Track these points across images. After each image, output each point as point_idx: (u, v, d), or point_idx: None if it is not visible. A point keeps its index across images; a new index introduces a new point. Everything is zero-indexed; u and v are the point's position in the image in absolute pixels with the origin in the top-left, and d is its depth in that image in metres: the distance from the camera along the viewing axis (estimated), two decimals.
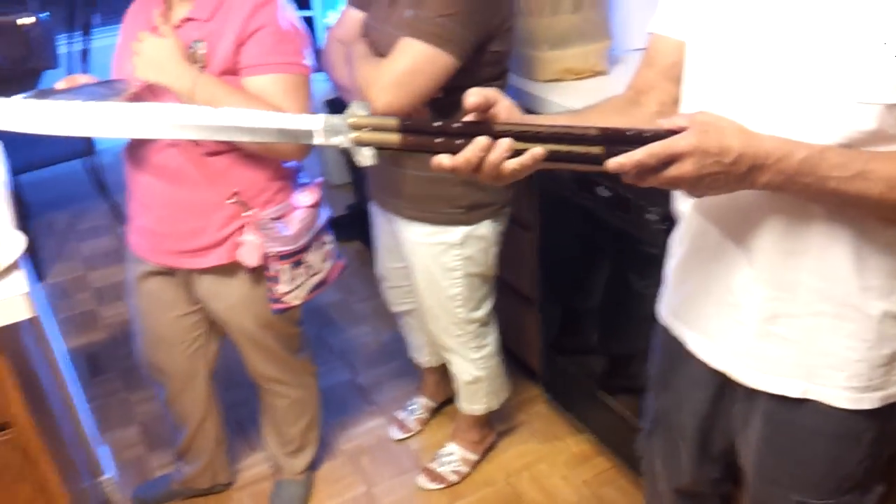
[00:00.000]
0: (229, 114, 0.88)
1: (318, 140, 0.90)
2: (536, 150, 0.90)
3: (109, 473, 2.24)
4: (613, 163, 0.90)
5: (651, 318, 1.37)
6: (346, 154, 0.90)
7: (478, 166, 0.90)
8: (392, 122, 0.90)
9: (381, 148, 0.91)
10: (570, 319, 2.25)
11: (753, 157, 0.90)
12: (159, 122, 0.86)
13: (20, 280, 1.24)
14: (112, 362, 2.89)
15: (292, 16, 1.65)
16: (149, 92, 1.59)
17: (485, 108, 0.93)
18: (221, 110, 0.88)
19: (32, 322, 1.47)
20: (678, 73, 1.14)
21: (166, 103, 0.86)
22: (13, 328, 1.31)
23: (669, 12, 1.15)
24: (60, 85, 1.59)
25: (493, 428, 2.36)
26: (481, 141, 0.89)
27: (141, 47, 1.56)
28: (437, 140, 0.90)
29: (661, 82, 1.17)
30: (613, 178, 0.92)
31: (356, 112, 0.90)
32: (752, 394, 1.18)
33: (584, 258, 2.09)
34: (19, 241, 1.32)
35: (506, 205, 1.94)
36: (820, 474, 1.18)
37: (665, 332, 1.32)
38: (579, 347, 2.24)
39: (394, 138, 0.90)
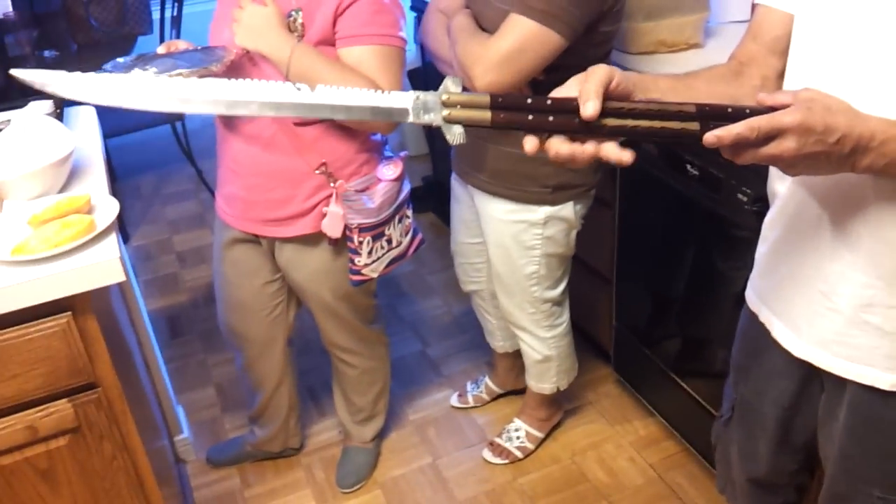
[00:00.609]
0: (323, 92, 0.88)
1: (411, 118, 0.90)
2: (626, 156, 0.88)
3: (185, 433, 2.33)
4: (711, 135, 0.87)
5: (733, 303, 1.35)
6: (431, 129, 0.89)
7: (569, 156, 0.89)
8: (484, 98, 0.89)
9: (472, 126, 0.90)
10: (646, 300, 2.22)
11: (858, 137, 0.87)
12: (255, 101, 0.87)
13: (112, 244, 1.29)
14: (192, 325, 2.98)
15: None
16: (247, 59, 1.62)
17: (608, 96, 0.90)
18: (316, 89, 0.88)
19: (121, 284, 1.52)
20: (783, 46, 1.11)
21: (260, 81, 0.87)
22: (104, 291, 1.36)
23: None
24: (161, 50, 1.63)
25: (561, 406, 2.36)
26: (563, 148, 0.88)
27: (241, 14, 1.59)
28: (530, 118, 0.88)
29: (764, 56, 1.14)
30: (705, 155, 0.90)
31: (449, 89, 0.89)
32: (839, 385, 1.16)
33: (666, 237, 2.06)
34: (113, 207, 1.37)
35: (592, 187, 1.93)
36: None
37: (751, 318, 1.29)
38: (654, 329, 2.22)
39: (485, 116, 0.89)
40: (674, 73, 1.09)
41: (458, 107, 0.89)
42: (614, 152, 0.88)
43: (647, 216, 2.11)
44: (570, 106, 0.88)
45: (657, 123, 0.89)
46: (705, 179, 1.77)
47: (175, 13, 3.51)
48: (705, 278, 1.93)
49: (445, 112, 0.89)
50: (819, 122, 0.86)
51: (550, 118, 0.88)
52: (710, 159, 0.89)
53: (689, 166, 1.80)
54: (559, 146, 0.88)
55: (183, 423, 2.35)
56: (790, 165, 0.90)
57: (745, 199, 1.64)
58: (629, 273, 2.25)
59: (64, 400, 1.35)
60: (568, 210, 1.88)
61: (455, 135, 0.90)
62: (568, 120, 0.88)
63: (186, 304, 3.13)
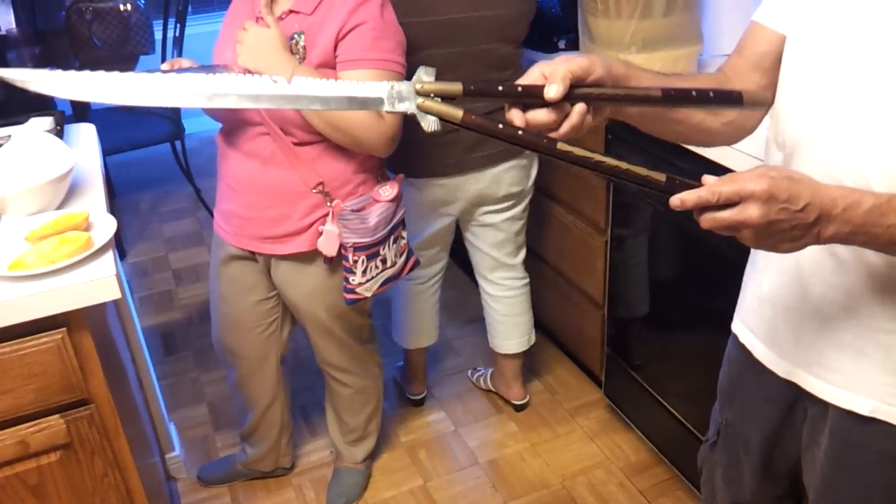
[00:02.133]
0: (301, 83, 0.91)
1: (386, 107, 0.92)
2: (593, 157, 0.91)
3: (176, 451, 2.33)
4: (675, 199, 0.88)
5: (723, 329, 1.36)
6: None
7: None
8: (456, 86, 0.92)
9: (444, 121, 0.92)
10: (636, 325, 2.24)
11: (821, 205, 0.87)
12: (235, 92, 0.90)
13: (109, 262, 1.30)
14: (185, 342, 2.99)
15: (391, 13, 1.69)
16: None
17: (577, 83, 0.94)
18: (293, 81, 0.90)
19: (116, 301, 1.53)
20: (768, 63, 1.14)
21: (239, 74, 0.89)
22: (99, 308, 1.37)
23: (777, 4, 1.15)
24: (164, 68, 1.66)
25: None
26: (528, 137, 0.92)
27: (244, 36, 1.62)
28: (500, 126, 0.91)
29: (748, 70, 1.16)
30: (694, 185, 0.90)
31: (422, 78, 0.92)
32: (822, 411, 1.17)
33: (656, 264, 2.08)
34: (111, 225, 1.38)
35: None
36: (885, 500, 1.16)
37: (737, 342, 1.31)
38: (644, 354, 2.23)
39: (456, 113, 0.91)
40: (661, 73, 1.10)
41: (432, 95, 0.91)
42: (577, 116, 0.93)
43: (639, 243, 2.13)
44: (538, 91, 0.91)
45: (622, 165, 0.90)
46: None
47: (177, 34, 3.55)
48: (695, 304, 1.95)
49: (419, 100, 0.91)
50: (783, 190, 0.86)
51: (520, 132, 0.91)
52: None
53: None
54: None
55: (175, 441, 2.36)
56: (756, 235, 0.89)
57: None
58: (620, 298, 2.27)
59: (56, 416, 1.36)
60: None
61: (430, 122, 0.92)
62: (537, 139, 0.91)
63: (181, 321, 3.14)
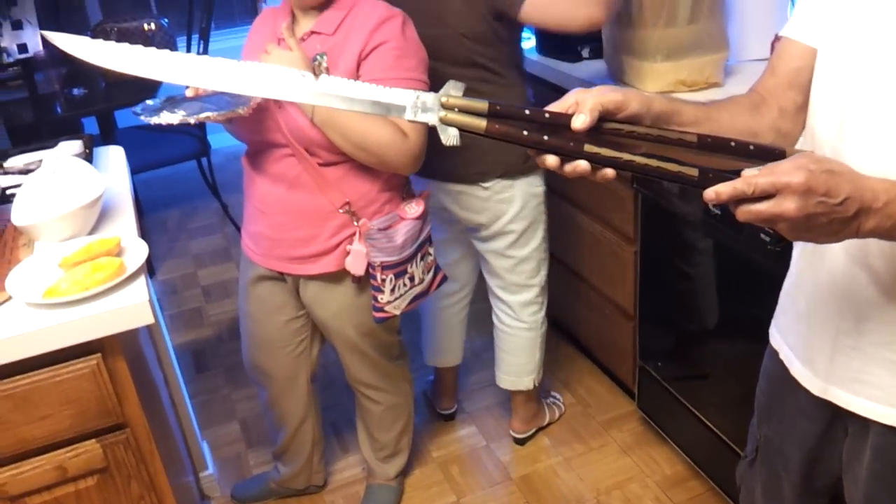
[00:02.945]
0: (328, 81, 0.92)
1: (408, 115, 0.92)
2: (608, 172, 0.89)
3: (210, 469, 2.33)
4: (710, 191, 0.85)
5: (758, 342, 1.34)
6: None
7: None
8: (482, 105, 0.91)
9: (466, 132, 0.91)
10: (669, 337, 2.21)
11: (861, 199, 0.85)
12: (264, 83, 0.93)
13: (142, 287, 1.31)
14: (216, 359, 3.00)
15: (413, 31, 1.69)
16: (272, 102, 1.65)
17: (607, 117, 0.92)
18: (320, 79, 0.92)
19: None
20: (802, 79, 1.12)
21: (272, 65, 0.92)
22: (132, 332, 1.37)
23: (805, 18, 1.13)
24: (189, 93, 1.66)
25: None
26: (551, 160, 0.90)
27: (267, 59, 1.62)
28: (525, 133, 0.90)
29: (783, 88, 1.14)
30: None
31: (450, 91, 0.92)
32: (863, 428, 1.15)
33: (688, 275, 2.06)
34: (142, 250, 1.39)
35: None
36: None
37: (774, 357, 1.29)
38: (678, 366, 2.20)
39: (480, 123, 0.90)
40: (701, 103, 1.09)
41: (456, 110, 0.91)
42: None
43: (669, 253, 2.11)
44: (566, 120, 0.90)
45: (653, 162, 0.89)
46: (727, 219, 1.76)
47: (201, 50, 3.57)
48: (729, 316, 1.93)
49: (442, 113, 0.91)
50: (821, 184, 0.84)
51: (545, 137, 0.89)
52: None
53: (711, 205, 1.80)
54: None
55: (208, 460, 2.36)
56: (792, 227, 0.87)
57: (767, 238, 1.64)
58: (652, 310, 2.25)
59: (93, 440, 1.37)
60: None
61: (450, 136, 0.91)
62: (562, 142, 0.89)
63: (211, 338, 3.15)
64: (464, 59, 1.92)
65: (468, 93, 0.93)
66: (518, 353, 2.33)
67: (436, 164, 1.94)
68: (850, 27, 1.03)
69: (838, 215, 0.85)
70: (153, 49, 0.93)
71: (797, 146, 1.17)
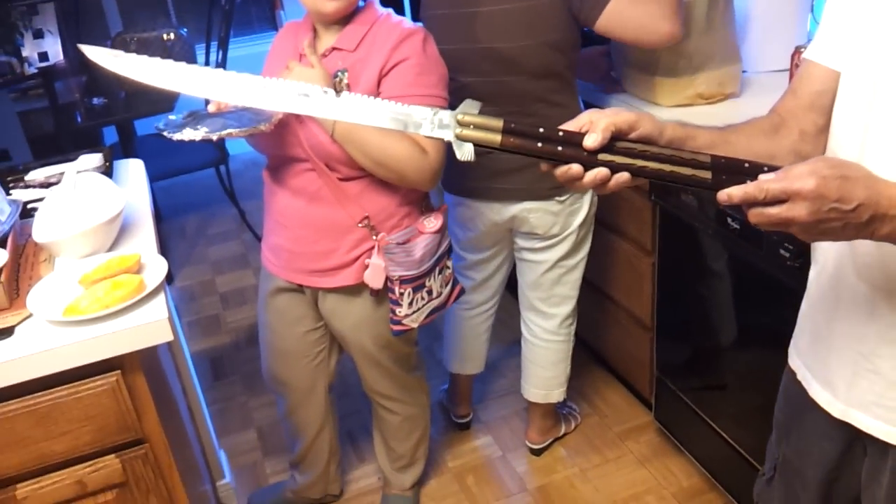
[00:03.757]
0: (349, 97, 0.96)
1: (425, 130, 0.96)
2: (622, 176, 0.92)
3: (227, 478, 2.35)
4: (723, 193, 0.88)
5: (776, 357, 1.34)
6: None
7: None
8: (497, 122, 0.94)
9: (481, 146, 0.95)
10: (687, 349, 2.20)
11: (875, 206, 0.86)
12: (286, 98, 0.97)
13: (161, 304, 1.32)
14: (234, 366, 3.02)
15: (433, 48, 1.69)
16: (294, 118, 1.66)
17: (619, 136, 0.94)
18: (342, 95, 0.96)
19: None
20: (824, 102, 1.11)
21: (297, 82, 0.97)
22: (151, 348, 1.38)
23: (828, 40, 1.12)
24: (211, 108, 1.67)
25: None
26: (575, 170, 0.92)
27: (290, 75, 1.63)
28: (539, 145, 0.93)
29: (804, 110, 1.14)
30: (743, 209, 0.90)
31: (466, 109, 0.95)
32: (882, 449, 1.14)
33: (706, 288, 2.05)
34: (162, 266, 1.40)
35: None
36: None
37: (792, 376, 1.28)
38: (695, 378, 2.19)
39: (495, 138, 0.94)
40: (716, 127, 1.09)
41: (472, 127, 0.95)
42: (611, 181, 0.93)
43: (687, 267, 2.10)
44: (579, 139, 0.92)
45: (667, 167, 0.92)
46: (746, 234, 1.76)
47: (220, 59, 3.60)
48: (747, 331, 1.92)
49: (458, 130, 0.95)
50: (833, 191, 0.84)
51: (560, 148, 0.92)
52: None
53: (729, 219, 1.80)
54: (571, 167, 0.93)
55: (225, 468, 2.37)
56: (804, 231, 0.88)
57: (786, 254, 1.63)
58: (669, 322, 2.24)
59: (112, 455, 1.38)
60: None
61: (465, 152, 0.95)
62: (576, 152, 0.92)
63: (228, 345, 3.17)
64: (543, 69, 1.91)
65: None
66: (551, 367, 2.34)
67: (504, 183, 2.00)
68: (874, 50, 1.02)
69: (851, 220, 0.86)
70: (182, 64, 0.98)
71: None
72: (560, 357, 2.32)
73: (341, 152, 1.64)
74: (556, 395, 2.37)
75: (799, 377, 1.25)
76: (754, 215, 0.88)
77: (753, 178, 0.90)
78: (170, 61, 0.98)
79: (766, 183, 0.86)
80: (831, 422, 1.19)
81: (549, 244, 2.14)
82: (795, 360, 1.27)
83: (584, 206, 2.10)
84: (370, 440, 2.28)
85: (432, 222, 1.81)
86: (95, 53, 0.99)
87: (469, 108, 0.95)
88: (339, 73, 1.65)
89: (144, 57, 0.97)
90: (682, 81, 2.07)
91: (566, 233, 2.12)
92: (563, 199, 2.05)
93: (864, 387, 1.12)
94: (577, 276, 2.23)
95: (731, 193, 0.87)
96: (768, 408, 1.41)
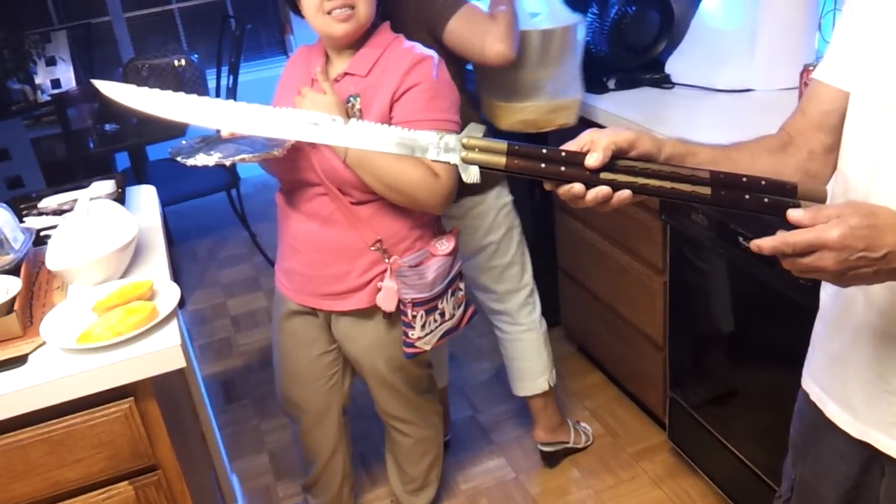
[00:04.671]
0: (357, 124, 0.98)
1: (431, 155, 0.98)
2: (623, 193, 0.94)
3: (239, 502, 2.34)
4: (753, 244, 0.90)
5: (791, 376, 1.33)
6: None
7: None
8: (501, 145, 0.96)
9: (487, 169, 0.97)
10: (700, 368, 2.19)
11: None
12: (295, 127, 0.99)
13: (174, 331, 1.32)
14: (245, 390, 3.02)
15: (445, 72, 1.70)
16: (307, 144, 1.67)
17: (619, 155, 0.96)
18: (350, 122, 0.98)
19: None
20: (833, 122, 1.11)
21: (305, 111, 0.99)
22: (164, 375, 1.39)
23: (837, 61, 1.12)
24: (224, 134, 1.68)
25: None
26: (577, 189, 0.94)
27: (302, 102, 1.64)
28: (543, 165, 0.95)
29: (812, 130, 1.14)
30: (755, 227, 0.92)
31: (470, 133, 0.97)
32: None
33: (718, 307, 2.04)
34: (174, 293, 1.41)
35: None
36: None
37: (807, 397, 1.27)
38: (709, 397, 2.18)
39: (500, 160, 0.96)
40: (720, 144, 1.10)
41: (476, 150, 0.97)
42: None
43: (699, 285, 2.09)
44: (580, 159, 0.95)
45: (667, 184, 0.95)
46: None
47: (231, 84, 3.62)
48: (760, 349, 1.91)
49: (464, 153, 0.97)
50: (860, 239, 0.85)
51: (563, 168, 0.95)
52: (762, 232, 0.90)
53: (740, 238, 1.79)
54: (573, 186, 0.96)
55: (237, 492, 2.37)
56: (834, 278, 0.89)
57: None
58: (682, 341, 2.23)
59: (125, 482, 1.38)
60: None
61: (471, 174, 0.97)
62: (579, 171, 0.95)
63: (240, 368, 3.17)
64: None
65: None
66: (525, 357, 2.39)
67: None
68: (884, 71, 1.02)
69: (882, 267, 0.87)
70: (194, 96, 1.00)
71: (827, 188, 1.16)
72: (531, 346, 2.37)
73: (354, 177, 1.65)
74: (541, 383, 2.40)
75: (813, 398, 1.24)
76: (786, 265, 0.90)
77: (752, 192, 0.92)
78: (181, 94, 0.99)
79: (792, 237, 0.87)
80: (849, 442, 1.18)
81: (467, 253, 2.22)
82: (808, 381, 1.27)
83: (487, 214, 2.18)
84: (383, 463, 2.28)
85: (444, 245, 1.81)
86: (109, 88, 1.01)
87: (474, 132, 0.97)
88: (352, 99, 1.67)
89: (157, 90, 0.99)
90: (512, 107, 2.12)
91: (475, 242, 2.22)
92: (458, 205, 2.11)
93: (882, 408, 1.11)
94: (516, 269, 2.30)
95: (761, 245, 0.89)
96: (782, 426, 1.40)
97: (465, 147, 0.97)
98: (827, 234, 0.85)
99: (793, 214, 0.89)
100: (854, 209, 0.88)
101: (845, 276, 0.88)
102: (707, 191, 0.93)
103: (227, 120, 1.00)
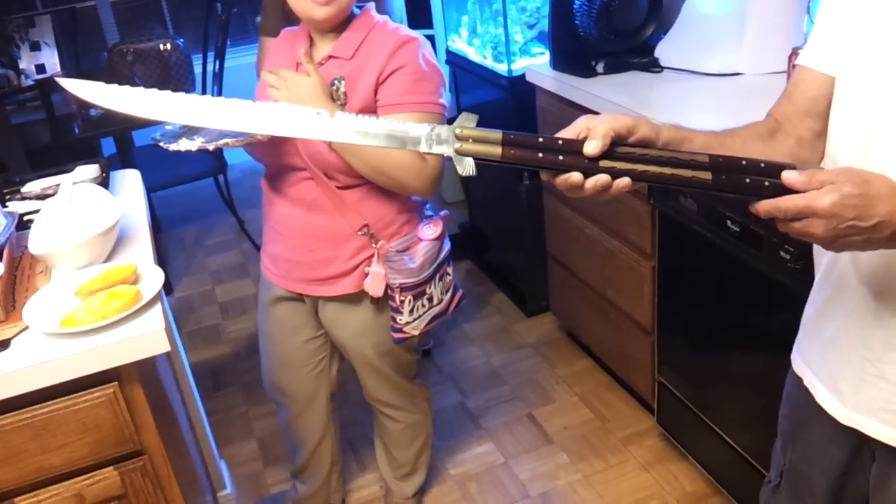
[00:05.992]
0: (343, 118, 0.94)
1: (423, 147, 0.94)
2: (623, 181, 0.92)
3: (228, 489, 2.33)
4: (751, 207, 0.92)
5: (779, 360, 1.33)
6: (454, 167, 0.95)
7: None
8: (496, 135, 0.92)
9: (482, 160, 0.93)
10: (688, 353, 2.19)
11: None
12: (280, 123, 0.95)
13: (158, 315, 1.31)
14: (233, 376, 3.01)
15: (431, 55, 1.69)
16: None
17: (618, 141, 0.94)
18: (335, 115, 0.94)
19: None
20: (820, 107, 1.11)
21: (290, 105, 0.95)
22: (149, 359, 1.37)
23: (821, 46, 1.11)
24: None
25: None
26: (576, 178, 0.92)
27: (286, 84, 1.62)
28: (540, 155, 0.92)
29: (800, 116, 1.13)
30: (744, 212, 0.92)
31: (463, 123, 0.94)
32: (891, 454, 1.13)
33: (707, 292, 2.04)
34: (158, 277, 1.39)
35: None
36: None
37: (797, 382, 1.27)
38: (697, 382, 2.18)
39: (495, 151, 0.92)
40: (713, 130, 1.09)
41: (470, 140, 0.93)
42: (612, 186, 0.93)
43: (688, 270, 2.09)
44: (578, 146, 0.92)
45: (667, 170, 0.92)
46: (746, 236, 1.75)
47: (217, 69, 3.59)
48: (749, 334, 1.91)
49: (457, 144, 0.93)
50: (850, 209, 0.85)
51: (560, 157, 0.92)
52: (751, 216, 0.91)
53: (729, 222, 1.79)
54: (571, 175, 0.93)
55: (226, 479, 2.36)
56: (825, 244, 0.90)
57: (787, 256, 1.62)
58: (670, 325, 2.23)
59: (110, 468, 1.37)
60: None
61: (466, 166, 0.93)
62: (577, 160, 0.92)
63: (228, 355, 3.16)
64: None
65: None
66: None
67: None
68: (870, 54, 1.01)
69: (873, 236, 0.87)
70: (168, 93, 0.95)
71: None
72: None
73: (339, 161, 1.64)
74: None
75: (806, 383, 1.24)
76: (781, 228, 0.91)
77: (752, 175, 0.91)
78: (155, 91, 0.95)
79: (784, 202, 0.88)
80: (838, 428, 1.18)
81: None
82: (800, 365, 1.26)
83: None
84: (371, 449, 2.27)
85: (431, 229, 1.80)
86: (77, 87, 0.96)
87: (466, 122, 0.94)
88: (336, 82, 1.65)
89: (128, 87, 0.94)
90: None
91: None
92: None
93: (871, 392, 1.11)
94: None
95: (757, 209, 0.91)
96: (771, 411, 1.40)
97: (459, 138, 0.93)
98: (817, 202, 0.85)
99: (787, 176, 0.89)
100: (848, 176, 0.88)
101: (836, 243, 0.89)
102: (707, 175, 0.92)
103: (210, 116, 0.95)
